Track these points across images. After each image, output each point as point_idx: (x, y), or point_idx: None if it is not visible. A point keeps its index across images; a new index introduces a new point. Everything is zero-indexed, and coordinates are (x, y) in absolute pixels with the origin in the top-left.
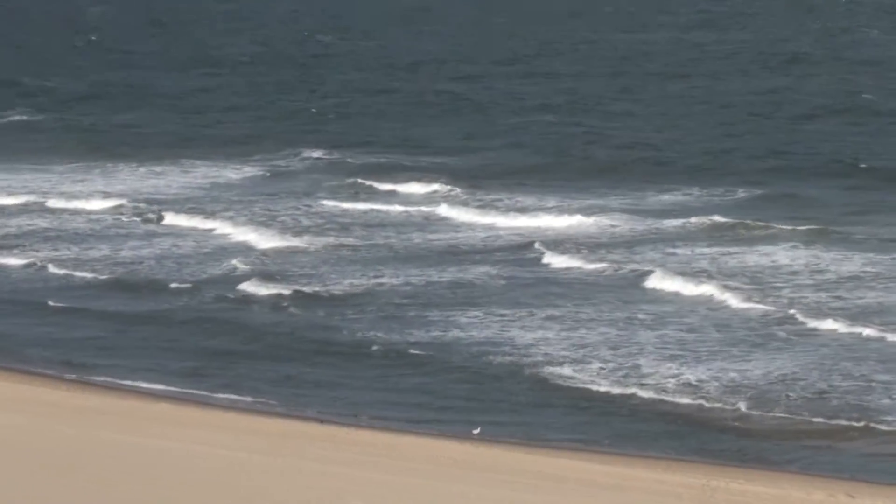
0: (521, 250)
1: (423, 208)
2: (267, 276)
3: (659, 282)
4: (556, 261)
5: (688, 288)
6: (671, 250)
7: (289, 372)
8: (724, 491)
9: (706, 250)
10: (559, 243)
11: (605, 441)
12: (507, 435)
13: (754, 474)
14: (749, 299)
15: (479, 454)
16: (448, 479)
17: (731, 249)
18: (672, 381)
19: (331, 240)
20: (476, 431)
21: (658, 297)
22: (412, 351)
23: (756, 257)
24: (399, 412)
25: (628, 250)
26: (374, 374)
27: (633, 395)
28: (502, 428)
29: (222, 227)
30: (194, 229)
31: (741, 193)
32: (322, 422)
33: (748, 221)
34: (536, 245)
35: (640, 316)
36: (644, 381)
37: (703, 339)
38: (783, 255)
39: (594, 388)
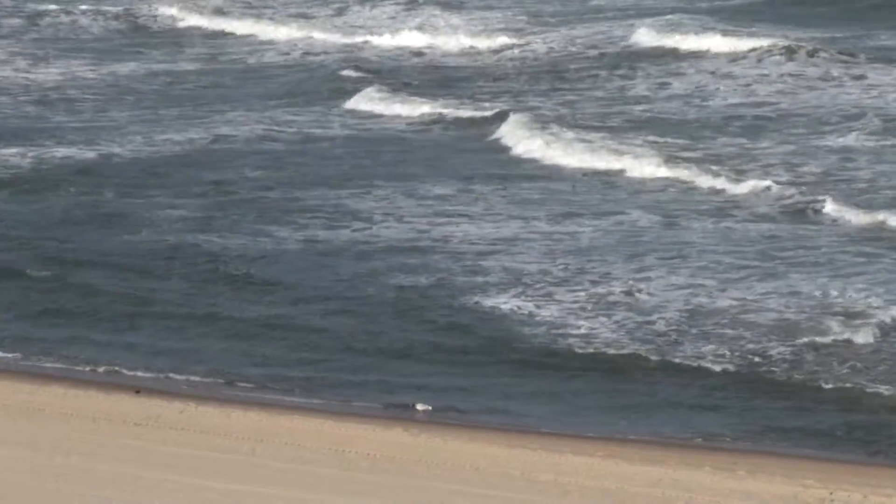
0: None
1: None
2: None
3: (665, 165)
4: (514, 129)
5: (704, 169)
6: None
7: (69, 325)
8: None
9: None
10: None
11: (622, 423)
12: (457, 416)
13: None
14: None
15: (426, 448)
16: (366, 491)
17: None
18: (711, 320)
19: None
20: (421, 408)
21: (657, 180)
22: (281, 269)
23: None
24: (278, 373)
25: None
26: (223, 317)
27: (647, 349)
28: (448, 402)
29: None
30: None
31: None
32: (138, 392)
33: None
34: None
35: (629, 211)
36: (664, 321)
37: (741, 245)
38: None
39: (583, 333)
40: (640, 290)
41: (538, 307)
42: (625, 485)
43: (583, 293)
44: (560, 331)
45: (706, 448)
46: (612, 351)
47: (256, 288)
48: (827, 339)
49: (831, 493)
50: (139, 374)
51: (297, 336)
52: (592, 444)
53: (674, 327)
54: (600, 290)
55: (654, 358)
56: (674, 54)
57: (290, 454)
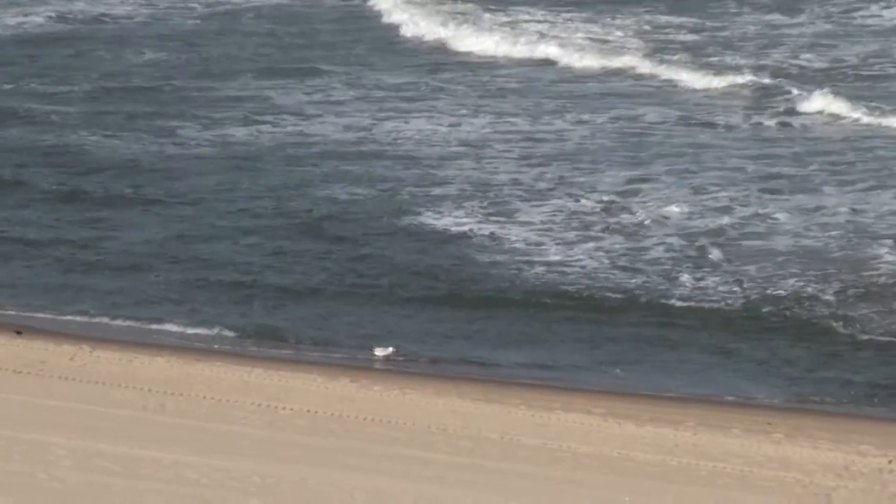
0: None
1: None
2: None
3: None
4: None
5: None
6: None
7: None
8: None
9: None
10: None
11: (617, 371)
12: (418, 365)
13: None
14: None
15: (381, 403)
16: (305, 458)
17: None
18: (720, 245)
19: None
20: (382, 353)
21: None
22: (186, 179)
23: None
24: (183, 310)
25: None
26: (113, 242)
27: (640, 282)
28: (402, 347)
29: None
30: None
31: None
32: (19, 333)
33: None
34: None
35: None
36: (663, 247)
37: (767, 149)
38: None
39: (559, 261)
40: (632, 207)
41: (505, 229)
42: (631, 451)
43: (561, 211)
44: (531, 258)
45: (733, 405)
46: (596, 285)
47: (154, 203)
48: (868, 272)
49: (890, 462)
50: (12, 312)
51: (208, 265)
52: (589, 399)
53: (673, 255)
54: (583, 205)
55: (647, 294)
56: None
57: (208, 411)
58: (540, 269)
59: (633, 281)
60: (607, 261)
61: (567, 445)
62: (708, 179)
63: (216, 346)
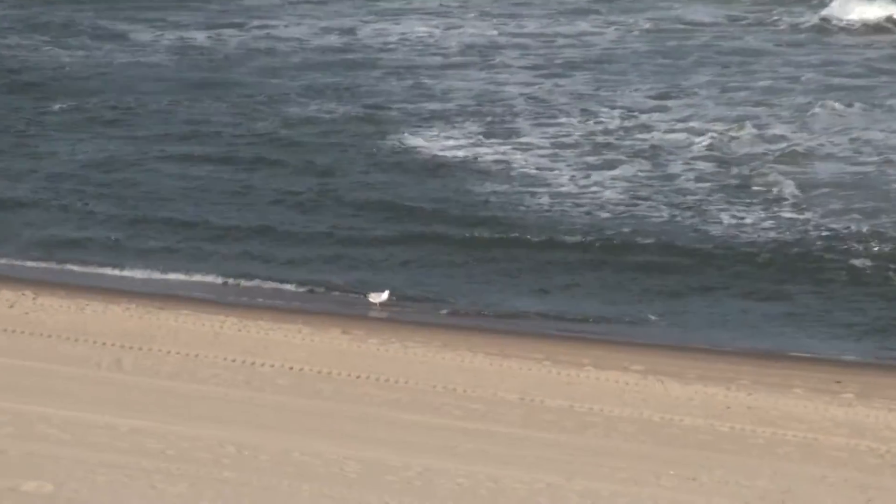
0: None
1: None
2: None
3: None
4: None
5: None
6: None
7: None
8: None
9: None
10: None
11: (653, 317)
12: (418, 314)
13: None
14: None
15: (377, 359)
16: (288, 424)
17: None
18: (763, 172)
19: None
20: (377, 299)
21: None
22: (138, 89)
23: None
24: (137, 247)
25: None
26: (48, 166)
27: (667, 217)
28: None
29: None
30: None
31: None
32: None
33: None
34: None
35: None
36: (694, 174)
37: (832, 54)
38: None
39: (570, 192)
40: (660, 127)
41: (511, 153)
42: (676, 415)
43: (578, 131)
44: (541, 189)
45: (794, 361)
46: (617, 221)
47: (97, 122)
48: None
49: None
50: None
51: (161, 198)
52: (625, 353)
53: (705, 184)
54: (599, 123)
55: (677, 230)
56: None
57: (173, 367)
58: (551, 201)
59: (661, 215)
60: (627, 193)
61: (599, 408)
62: (755, 92)
63: (181, 293)
